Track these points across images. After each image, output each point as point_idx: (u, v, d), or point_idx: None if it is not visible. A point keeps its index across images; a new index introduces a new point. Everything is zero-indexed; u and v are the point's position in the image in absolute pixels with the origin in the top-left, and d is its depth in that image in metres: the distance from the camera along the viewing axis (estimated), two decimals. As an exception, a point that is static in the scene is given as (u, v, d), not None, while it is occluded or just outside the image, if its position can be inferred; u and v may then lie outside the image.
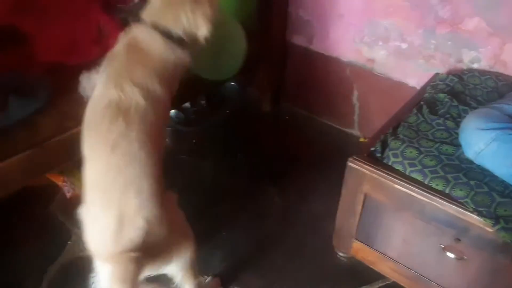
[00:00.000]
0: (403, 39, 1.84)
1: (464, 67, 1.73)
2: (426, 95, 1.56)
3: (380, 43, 1.91)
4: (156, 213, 1.07)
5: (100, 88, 1.23)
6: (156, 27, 1.29)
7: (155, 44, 1.26)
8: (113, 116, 1.10)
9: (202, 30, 1.28)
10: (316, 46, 2.13)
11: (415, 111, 1.47)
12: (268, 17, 2.09)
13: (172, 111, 2.29)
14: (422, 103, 1.50)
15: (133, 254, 1.01)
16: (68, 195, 1.80)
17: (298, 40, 2.17)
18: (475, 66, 1.72)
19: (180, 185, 1.89)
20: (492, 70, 1.68)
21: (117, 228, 1.03)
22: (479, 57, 1.70)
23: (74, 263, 1.59)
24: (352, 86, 2.10)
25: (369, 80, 2.01)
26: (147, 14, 1.36)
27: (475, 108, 1.42)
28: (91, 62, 1.88)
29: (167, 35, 1.27)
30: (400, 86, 1.92)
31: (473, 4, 1.63)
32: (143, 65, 1.24)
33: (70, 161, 1.56)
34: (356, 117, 2.16)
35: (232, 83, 2.26)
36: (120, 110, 1.11)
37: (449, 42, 1.74)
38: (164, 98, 1.22)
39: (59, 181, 1.76)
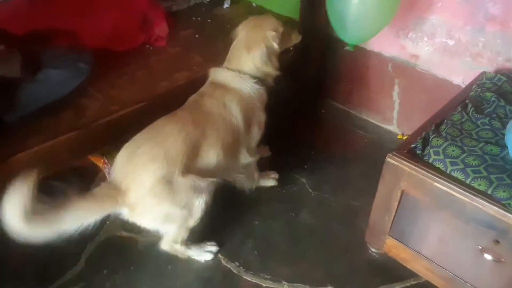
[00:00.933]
0: (450, 35, 1.79)
1: (513, 67, 1.67)
2: (472, 93, 1.52)
3: (426, 39, 1.87)
4: None
5: None
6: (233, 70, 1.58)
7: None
8: None
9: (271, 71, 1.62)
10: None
11: (459, 109, 1.43)
12: (311, 10, 2.08)
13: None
14: (467, 101, 1.46)
15: None
16: (109, 176, 1.87)
17: (340, 33, 2.15)
18: (525, 66, 1.65)
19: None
20: (543, 71, 1.62)
21: None
22: (530, 57, 1.63)
23: (111, 242, 1.66)
24: (393, 82, 2.06)
25: (411, 76, 1.97)
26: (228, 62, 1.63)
27: (523, 109, 1.37)
28: (137, 48, 1.96)
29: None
30: (444, 83, 1.87)
31: (526, 2, 1.57)
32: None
33: (113, 143, 1.63)
34: (395, 114, 2.13)
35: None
36: None
37: (499, 41, 1.68)
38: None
39: (100, 162, 1.83)
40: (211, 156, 1.43)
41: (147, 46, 1.98)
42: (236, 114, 1.51)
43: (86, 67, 1.64)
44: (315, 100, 2.35)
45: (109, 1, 2.03)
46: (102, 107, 1.60)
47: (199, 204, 1.40)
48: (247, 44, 1.58)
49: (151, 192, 1.31)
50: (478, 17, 1.69)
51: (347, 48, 1.81)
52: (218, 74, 1.58)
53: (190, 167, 1.37)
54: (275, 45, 1.59)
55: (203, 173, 1.41)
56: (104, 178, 1.81)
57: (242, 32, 1.62)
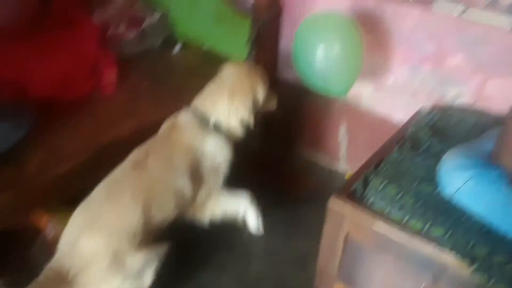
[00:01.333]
0: (389, 75, 1.88)
1: (448, 103, 1.76)
2: (410, 131, 1.58)
3: (366, 79, 1.94)
4: None
5: None
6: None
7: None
8: None
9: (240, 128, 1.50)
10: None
11: (397, 148, 1.48)
12: (259, 53, 2.14)
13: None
14: (404, 140, 1.52)
15: None
16: (50, 236, 1.74)
17: (288, 75, 2.21)
18: (459, 102, 1.74)
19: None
20: (474, 106, 1.70)
21: None
22: (462, 93, 1.72)
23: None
24: (339, 121, 2.12)
25: (356, 115, 2.04)
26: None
27: (456, 145, 1.43)
28: (85, 97, 1.95)
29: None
30: (386, 121, 1.94)
31: (456, 42, 1.67)
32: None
33: (57, 199, 1.58)
34: (343, 152, 2.18)
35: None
36: None
37: (433, 78, 1.77)
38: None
39: (42, 223, 1.73)
40: (163, 215, 1.38)
41: (96, 94, 1.97)
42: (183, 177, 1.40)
43: (28, 120, 1.62)
44: (262, 142, 2.37)
45: (58, 48, 2.03)
46: (45, 160, 1.56)
47: (151, 272, 1.35)
48: (232, 89, 1.44)
49: (103, 275, 1.25)
50: (414, 57, 1.79)
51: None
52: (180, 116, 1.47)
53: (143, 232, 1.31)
54: (261, 101, 1.48)
55: (157, 227, 1.37)
56: (45, 241, 1.72)
57: (228, 75, 1.49)
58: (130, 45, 2.23)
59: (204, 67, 2.03)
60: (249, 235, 1.62)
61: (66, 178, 1.54)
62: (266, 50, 2.15)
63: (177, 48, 2.37)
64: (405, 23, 1.76)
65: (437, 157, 1.40)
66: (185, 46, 2.37)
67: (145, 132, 1.74)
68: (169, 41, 2.36)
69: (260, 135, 2.30)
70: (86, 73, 2.00)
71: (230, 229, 1.82)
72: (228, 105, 1.45)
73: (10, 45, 2.00)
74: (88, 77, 1.99)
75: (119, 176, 1.39)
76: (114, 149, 1.68)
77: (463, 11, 1.61)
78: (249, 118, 1.48)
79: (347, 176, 2.16)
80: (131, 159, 1.44)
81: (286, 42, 2.15)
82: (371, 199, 1.29)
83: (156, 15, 2.33)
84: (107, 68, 2.03)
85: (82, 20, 2.21)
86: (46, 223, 1.72)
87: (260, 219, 1.56)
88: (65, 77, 1.94)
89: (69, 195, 1.49)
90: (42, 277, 1.21)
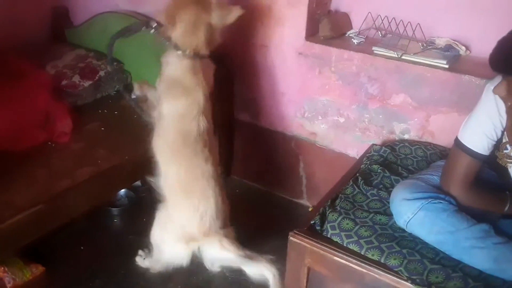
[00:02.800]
0: (340, 113, 1.98)
1: (397, 138, 1.86)
2: (362, 166, 1.65)
3: (320, 118, 2.04)
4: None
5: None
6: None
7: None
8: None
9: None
10: (262, 122, 2.23)
11: (351, 182, 1.54)
12: (217, 96, 2.19)
13: (122, 190, 2.29)
14: (358, 174, 1.59)
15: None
16: (9, 286, 1.72)
17: (245, 116, 2.28)
18: (406, 136, 1.85)
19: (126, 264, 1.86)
20: (421, 140, 1.81)
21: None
22: (409, 129, 1.84)
23: None
24: (298, 158, 2.19)
25: (313, 152, 2.12)
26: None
27: (406, 177, 1.51)
28: (37, 146, 1.90)
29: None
30: (341, 156, 2.02)
31: (398, 83, 1.80)
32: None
33: (10, 251, 1.52)
34: (304, 188, 2.23)
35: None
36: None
37: (381, 116, 1.88)
38: None
39: None
40: None
41: (49, 143, 1.93)
42: None
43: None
44: (228, 181, 2.39)
45: (9, 100, 1.99)
46: (-3, 213, 1.50)
47: None
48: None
49: None
50: (360, 97, 1.90)
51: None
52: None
53: None
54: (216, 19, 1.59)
55: None
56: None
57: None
58: (85, 94, 2.23)
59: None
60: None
61: (21, 229, 1.48)
62: (222, 93, 2.21)
63: (134, 94, 2.38)
64: (349, 66, 1.88)
65: (389, 190, 1.47)
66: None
67: (102, 178, 1.72)
68: (126, 88, 2.37)
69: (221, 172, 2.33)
70: (38, 124, 1.97)
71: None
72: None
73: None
74: (41, 127, 1.96)
75: None
76: (70, 197, 1.65)
77: (401, 55, 1.75)
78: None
79: (310, 209, 2.20)
80: None
81: (239, 86, 2.22)
82: (330, 233, 1.33)
83: (111, 64, 2.34)
84: (60, 118, 2.01)
85: (33, 72, 2.20)
86: (4, 273, 1.64)
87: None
88: (16, 128, 1.90)
89: (25, 245, 1.43)
90: None
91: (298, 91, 2.05)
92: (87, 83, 2.25)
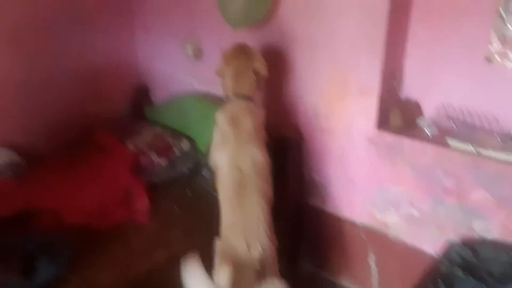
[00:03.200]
0: (413, 206, 1.94)
1: (477, 236, 1.78)
2: (443, 268, 1.59)
3: (392, 209, 2.00)
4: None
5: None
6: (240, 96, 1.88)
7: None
8: None
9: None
10: (330, 208, 2.23)
11: (432, 287, 1.48)
12: (283, 179, 2.23)
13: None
14: (438, 278, 1.53)
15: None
16: None
17: (314, 201, 2.28)
18: (487, 235, 1.76)
19: None
20: (503, 240, 1.72)
21: None
22: (489, 227, 1.76)
23: None
24: (367, 248, 2.13)
25: (384, 244, 2.06)
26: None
27: (491, 285, 1.43)
28: (117, 225, 2.00)
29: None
30: (416, 252, 1.95)
31: (476, 178, 1.74)
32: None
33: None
34: (374, 281, 2.15)
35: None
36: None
37: (458, 212, 1.82)
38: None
39: None
40: None
41: (128, 222, 2.03)
42: None
43: (67, 252, 1.67)
44: (291, 267, 2.36)
45: (94, 176, 2.15)
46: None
47: None
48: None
49: None
50: (436, 190, 1.86)
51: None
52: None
53: None
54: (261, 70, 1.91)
55: None
56: None
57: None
58: (161, 172, 2.34)
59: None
60: None
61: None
62: (291, 177, 2.25)
63: (204, 171, 2.47)
64: (422, 158, 1.86)
65: (475, 299, 1.40)
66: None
67: (175, 263, 1.76)
68: (198, 166, 2.48)
69: (288, 259, 2.31)
70: (119, 201, 2.09)
71: None
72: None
73: (49, 174, 2.15)
74: (122, 205, 2.07)
75: None
76: (147, 281, 1.70)
77: (479, 150, 1.71)
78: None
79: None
80: None
81: (308, 170, 2.25)
82: None
83: (186, 143, 2.47)
84: (139, 196, 2.12)
85: (117, 148, 2.38)
86: None
87: None
88: (100, 205, 2.03)
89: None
90: None
91: (368, 179, 2.05)
92: (163, 161, 2.38)
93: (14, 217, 1.85)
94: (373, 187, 2.05)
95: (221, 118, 1.85)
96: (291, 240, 2.35)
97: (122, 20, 2.71)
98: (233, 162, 1.72)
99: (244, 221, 1.65)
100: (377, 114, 1.95)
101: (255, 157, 1.75)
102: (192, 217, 2.06)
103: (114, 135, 2.49)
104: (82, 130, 2.57)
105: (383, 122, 1.99)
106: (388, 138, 1.94)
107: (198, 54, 2.51)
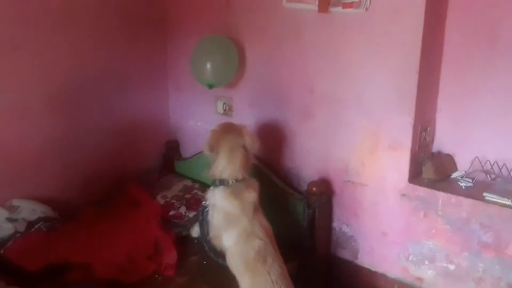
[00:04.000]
0: (449, 260, 1.87)
1: (519, 293, 1.70)
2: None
3: (427, 263, 1.94)
4: None
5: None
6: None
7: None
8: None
9: None
10: (362, 261, 2.17)
11: None
12: (312, 231, 2.20)
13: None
14: None
15: None
16: None
17: (343, 254, 2.24)
18: (530, 294, 1.68)
19: None
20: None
21: None
22: (532, 284, 1.67)
23: None
24: (402, 305, 2.05)
25: (419, 300, 1.97)
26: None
27: None
28: (146, 278, 1.99)
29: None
30: (453, 308, 1.86)
31: (515, 231, 1.69)
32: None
33: None
34: None
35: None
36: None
37: (497, 266, 1.75)
38: None
39: None
40: None
41: (156, 275, 2.02)
42: None
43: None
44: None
45: (123, 230, 2.17)
46: None
47: None
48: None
49: None
50: (473, 244, 1.80)
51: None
52: None
53: None
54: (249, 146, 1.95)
55: None
56: None
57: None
58: (190, 225, 2.35)
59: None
60: None
61: None
62: (320, 229, 2.22)
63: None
64: (458, 211, 1.82)
65: None
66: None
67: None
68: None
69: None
70: (148, 254, 2.09)
71: None
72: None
73: (81, 227, 2.20)
74: (151, 258, 2.07)
75: None
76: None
77: (515, 202, 1.67)
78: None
79: None
80: None
81: (338, 223, 2.22)
82: None
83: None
84: (168, 249, 2.12)
85: (148, 201, 2.43)
86: None
87: None
88: (130, 258, 2.04)
89: None
90: None
91: (402, 233, 2.00)
92: (191, 214, 2.40)
93: (45, 271, 1.87)
94: (407, 240, 2.00)
95: (219, 197, 1.91)
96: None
97: (157, 81, 2.85)
98: (248, 233, 1.82)
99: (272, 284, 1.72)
100: (410, 167, 1.95)
101: (265, 224, 1.88)
102: (219, 272, 2.02)
103: (145, 188, 2.55)
104: (114, 182, 2.64)
105: (416, 176, 1.97)
106: (421, 191, 1.92)
107: (228, 110, 2.59)
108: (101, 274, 1.93)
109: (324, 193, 2.18)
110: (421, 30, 1.77)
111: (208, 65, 2.28)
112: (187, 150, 2.84)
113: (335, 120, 2.13)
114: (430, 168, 1.93)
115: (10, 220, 2.20)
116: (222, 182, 1.92)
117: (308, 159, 2.28)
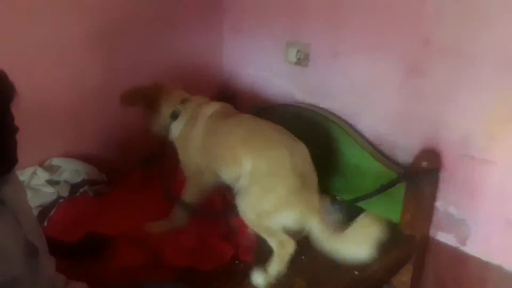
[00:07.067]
0: None
1: None
2: None
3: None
4: None
5: None
6: None
7: None
8: None
9: None
10: (471, 249, 1.83)
11: None
12: (411, 209, 1.86)
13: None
14: None
15: None
16: None
17: (446, 238, 1.90)
18: None
19: None
20: None
21: None
22: None
23: None
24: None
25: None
26: None
27: None
28: (225, 265, 1.64)
29: None
30: None
31: None
32: None
33: None
34: None
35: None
36: None
37: None
38: None
39: None
40: None
41: (236, 261, 1.67)
42: None
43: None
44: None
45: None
46: None
47: None
48: None
49: None
50: None
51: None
52: None
53: None
54: None
55: None
56: None
57: None
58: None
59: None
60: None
61: None
62: (419, 209, 1.87)
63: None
64: None
65: None
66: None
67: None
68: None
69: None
70: (222, 237, 1.74)
71: None
72: None
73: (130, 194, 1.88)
74: (225, 241, 1.72)
75: None
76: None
77: None
78: None
79: None
80: None
81: (443, 202, 1.87)
82: None
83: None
84: (241, 225, 1.76)
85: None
86: None
87: None
88: (200, 242, 1.70)
89: None
90: None
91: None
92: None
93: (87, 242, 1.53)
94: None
95: None
96: (412, 281, 1.97)
97: (210, 20, 2.40)
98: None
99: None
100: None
101: None
102: (318, 266, 1.67)
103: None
104: (160, 139, 2.25)
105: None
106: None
107: (303, 59, 2.14)
108: (171, 261, 1.58)
109: (430, 167, 1.81)
110: None
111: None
112: (245, 101, 2.42)
113: (456, 79, 1.71)
114: None
115: (50, 182, 1.83)
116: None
117: (410, 125, 1.88)
